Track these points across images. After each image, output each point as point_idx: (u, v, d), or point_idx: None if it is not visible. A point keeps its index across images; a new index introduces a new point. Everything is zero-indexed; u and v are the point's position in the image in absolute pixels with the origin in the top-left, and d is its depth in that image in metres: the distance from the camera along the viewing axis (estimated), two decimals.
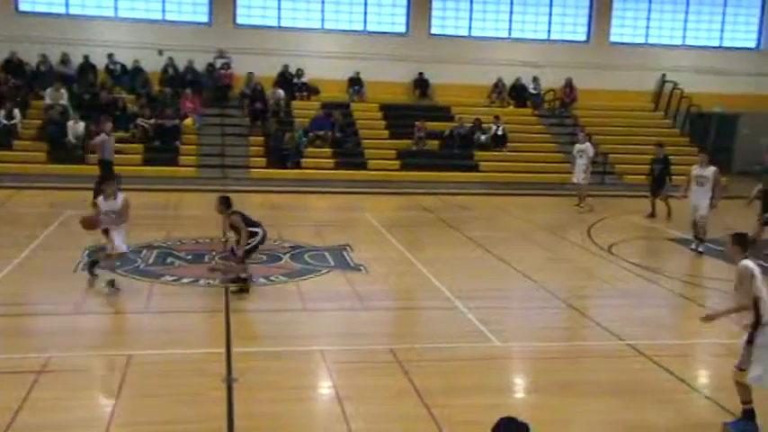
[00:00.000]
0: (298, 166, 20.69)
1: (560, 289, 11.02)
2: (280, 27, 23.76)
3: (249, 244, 9.94)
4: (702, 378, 8.07)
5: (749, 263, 6.19)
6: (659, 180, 16.75)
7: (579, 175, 17.93)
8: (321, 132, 21.52)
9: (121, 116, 20.54)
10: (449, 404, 6.77)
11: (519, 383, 7.91)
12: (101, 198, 10.04)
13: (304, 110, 22.53)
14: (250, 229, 9.97)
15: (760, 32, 26.10)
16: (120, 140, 17.73)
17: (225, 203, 10.02)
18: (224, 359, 7.59)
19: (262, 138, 21.26)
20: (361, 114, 23.15)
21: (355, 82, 23.73)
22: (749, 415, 6.25)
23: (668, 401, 7.08)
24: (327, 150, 21.41)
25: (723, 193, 13.87)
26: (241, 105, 22.42)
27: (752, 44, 26.19)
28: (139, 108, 21.05)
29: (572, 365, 8.07)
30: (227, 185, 17.86)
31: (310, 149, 21.26)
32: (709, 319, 6.69)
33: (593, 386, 7.19)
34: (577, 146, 18.32)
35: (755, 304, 6.08)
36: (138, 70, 22.45)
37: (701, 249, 13.48)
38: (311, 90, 23.38)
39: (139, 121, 20.44)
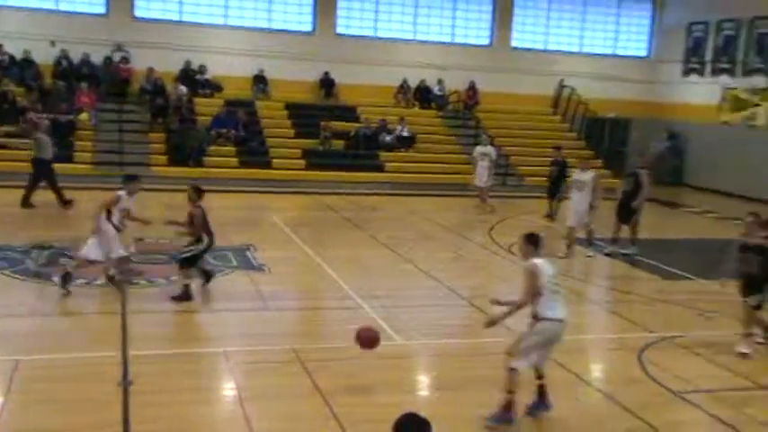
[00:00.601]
0: (200, 164, 20.25)
1: (462, 287, 11.20)
2: (181, 21, 23.15)
3: (191, 251, 9.62)
4: (595, 372, 8.37)
5: (538, 261, 6.42)
6: (557, 182, 17.11)
7: (482, 178, 18.18)
8: (224, 130, 21.13)
9: (10, 110, 19.56)
10: (352, 403, 6.77)
11: (422, 381, 7.99)
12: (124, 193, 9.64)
13: (207, 107, 22.06)
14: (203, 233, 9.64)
15: (650, 42, 27.36)
16: (7, 135, 16.73)
17: (197, 192, 9.69)
18: (120, 362, 7.33)
19: (163, 135, 20.68)
20: (266, 113, 22.88)
21: (260, 80, 23.42)
22: (509, 405, 6.37)
23: (563, 395, 7.30)
24: (231, 149, 21.05)
25: (602, 195, 13.71)
26: (141, 101, 21.73)
27: (643, 53, 27.41)
28: (30, 102, 20.09)
29: (473, 362, 8.21)
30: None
31: (214, 148, 20.85)
32: (490, 324, 6.74)
33: (494, 382, 7.29)
34: (479, 148, 18.56)
35: (534, 300, 6.30)
36: (28, 62, 21.41)
37: (589, 254, 13.64)
38: (214, 87, 22.91)
39: (32, 115, 19.49)
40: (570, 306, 10.19)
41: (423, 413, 3.80)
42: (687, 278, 12.49)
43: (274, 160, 21.17)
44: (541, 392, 6.70)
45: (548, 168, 17.81)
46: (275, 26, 23.91)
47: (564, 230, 14.06)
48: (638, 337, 8.78)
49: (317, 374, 7.38)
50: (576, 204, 13.68)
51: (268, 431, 6.26)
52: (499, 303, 6.85)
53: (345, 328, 9.09)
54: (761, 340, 8.77)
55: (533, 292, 6.32)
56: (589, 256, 13.64)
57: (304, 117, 22.81)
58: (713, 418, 6.94)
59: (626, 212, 13.83)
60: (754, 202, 21.43)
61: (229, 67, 23.00)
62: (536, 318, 6.37)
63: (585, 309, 10.87)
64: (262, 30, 23.67)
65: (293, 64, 23.59)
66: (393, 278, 11.75)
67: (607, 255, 13.76)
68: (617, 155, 24.78)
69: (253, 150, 21.36)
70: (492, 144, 19.05)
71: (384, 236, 14.52)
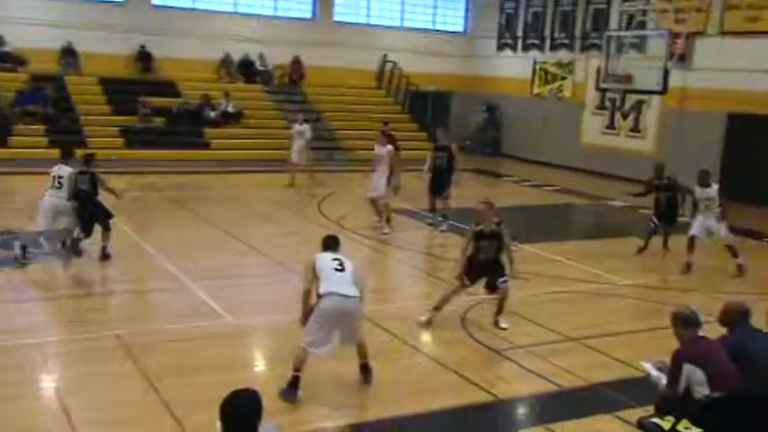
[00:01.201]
0: (5, 144, 18.76)
1: (293, 262, 11.19)
2: None
3: None
4: (419, 336, 8.68)
5: (317, 255, 6.81)
6: None
7: (298, 155, 17.80)
8: (31, 107, 19.66)
9: None
10: (180, 385, 6.63)
11: (253, 358, 7.96)
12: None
13: (10, 82, 20.39)
14: None
15: (466, 18, 28.44)
16: None
17: None
18: None
19: None
20: (78, 89, 21.51)
21: (68, 53, 21.92)
22: (296, 382, 6.53)
23: (393, 360, 7.56)
24: (39, 127, 19.65)
25: (401, 168, 13.79)
26: None
27: (460, 28, 28.47)
28: None
29: None
30: None
31: (20, 126, 19.37)
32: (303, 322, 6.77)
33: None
34: (297, 127, 18.19)
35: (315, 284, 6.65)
36: None
37: (386, 231, 13.33)
38: (17, 61, 21.20)
39: None
40: (392, 276, 10.53)
41: (255, 389, 3.78)
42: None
43: (89, 139, 19.98)
44: (362, 370, 6.93)
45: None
46: None
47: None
48: (460, 300, 9.21)
49: (144, 359, 7.16)
50: (375, 178, 13.68)
51: (89, 422, 5.99)
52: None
53: (172, 309, 8.90)
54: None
55: (309, 278, 6.66)
56: (385, 234, 13.41)
57: (120, 93, 21.67)
58: (527, 371, 7.46)
59: (439, 185, 14.02)
60: (563, 170, 23.14)
61: (33, 39, 21.28)
62: (318, 297, 6.61)
63: (408, 277, 11.29)
64: None
65: (106, 36, 22.27)
66: (221, 257, 11.54)
67: (431, 225, 14.21)
68: (440, 127, 25.55)
69: (64, 129, 20.04)
70: (307, 122, 18.68)
71: (211, 214, 14.23)
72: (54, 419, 5.99)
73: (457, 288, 8.67)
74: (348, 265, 6.69)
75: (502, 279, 8.57)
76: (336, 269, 6.60)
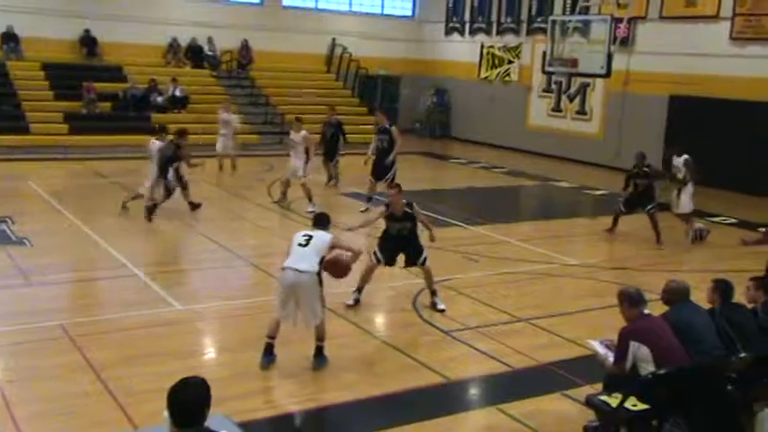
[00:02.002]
0: None
1: (242, 247, 11.13)
2: None
3: None
4: (373, 320, 8.70)
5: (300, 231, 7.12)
6: (332, 144, 16.38)
7: (226, 143, 17.38)
8: None
9: None
10: (127, 375, 6.52)
11: (203, 345, 7.87)
12: None
13: None
14: None
15: (414, 3, 28.40)
16: None
17: None
18: None
19: None
20: (20, 74, 20.87)
21: (10, 38, 21.26)
22: (269, 348, 6.91)
23: (347, 345, 7.56)
24: None
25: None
26: None
27: (408, 13, 28.42)
28: None
29: (258, 321, 8.19)
30: None
31: None
32: None
33: (280, 339, 7.35)
34: (224, 116, 17.57)
35: None
36: None
37: (311, 209, 12.90)
38: None
39: None
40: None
41: (205, 377, 3.72)
42: (456, 225, 13.29)
43: (32, 125, 19.48)
44: (316, 354, 6.98)
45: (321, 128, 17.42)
46: None
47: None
48: (411, 283, 9.24)
49: (89, 349, 7.02)
50: (293, 162, 13.94)
51: (33, 415, 5.85)
52: None
53: (119, 297, 8.74)
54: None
55: (287, 252, 6.95)
56: (311, 211, 12.85)
57: (64, 78, 21.11)
58: (478, 352, 7.53)
59: (381, 169, 14.02)
60: (511, 152, 23.36)
61: None
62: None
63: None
64: None
65: (48, 20, 21.63)
66: (170, 243, 11.39)
67: (363, 212, 14.00)
68: (390, 111, 25.54)
69: (6, 115, 19.46)
70: (231, 112, 18.05)
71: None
72: None
73: (371, 265, 8.69)
74: (314, 240, 6.82)
75: (420, 260, 8.63)
76: (300, 244, 6.81)
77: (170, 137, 13.14)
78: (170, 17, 23.41)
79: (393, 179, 13.82)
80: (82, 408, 5.98)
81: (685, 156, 12.55)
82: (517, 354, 7.50)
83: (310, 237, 6.86)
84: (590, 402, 5.43)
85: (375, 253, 8.72)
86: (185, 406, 3.60)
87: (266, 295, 9.08)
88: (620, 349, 5.50)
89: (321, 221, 7.19)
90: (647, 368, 5.33)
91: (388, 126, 14.41)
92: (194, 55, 23.90)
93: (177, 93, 21.81)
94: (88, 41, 22.24)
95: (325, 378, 6.82)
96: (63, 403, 6.03)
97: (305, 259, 6.72)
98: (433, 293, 8.80)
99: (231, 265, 10.39)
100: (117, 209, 12.63)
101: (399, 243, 8.68)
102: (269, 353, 6.89)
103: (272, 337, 6.91)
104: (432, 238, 8.87)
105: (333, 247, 6.91)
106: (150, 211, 12.32)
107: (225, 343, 7.78)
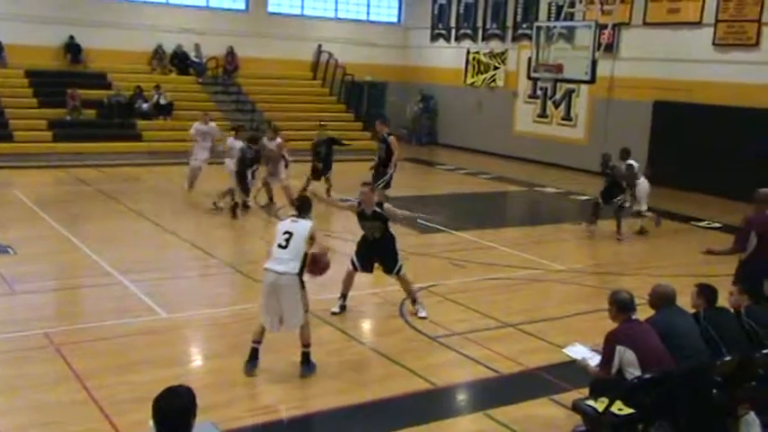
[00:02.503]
0: None
1: (228, 255, 11.10)
2: None
3: None
4: (360, 327, 8.69)
5: (281, 222, 7.19)
6: (326, 161, 15.58)
7: (201, 155, 15.48)
8: None
9: None
10: (112, 383, 6.47)
11: (189, 353, 7.82)
12: None
13: None
14: None
15: (400, 9, 28.46)
16: None
17: None
18: None
19: None
20: (3, 82, 20.71)
21: None
22: (254, 353, 6.94)
23: (334, 352, 7.54)
24: None
25: (290, 159, 14.65)
26: None
27: (394, 19, 28.48)
28: None
29: (243, 327, 8.17)
30: None
31: None
32: None
33: (262, 345, 7.32)
34: (200, 126, 15.69)
35: None
36: None
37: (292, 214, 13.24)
38: None
39: None
40: (336, 266, 10.44)
41: (190, 385, 3.70)
42: (443, 231, 13.31)
43: (16, 132, 19.34)
44: (303, 360, 6.97)
45: (312, 133, 17.18)
46: None
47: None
48: (397, 290, 9.21)
49: (74, 358, 6.96)
50: (271, 169, 14.27)
51: (16, 425, 5.78)
52: None
53: (104, 305, 8.68)
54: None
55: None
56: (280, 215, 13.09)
57: (48, 86, 20.97)
58: (465, 357, 7.54)
59: (380, 177, 14.00)
60: (497, 157, 23.44)
61: None
62: None
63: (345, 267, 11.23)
64: None
65: (32, 27, 21.51)
66: (155, 250, 11.32)
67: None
68: (376, 117, 25.56)
69: None
70: (211, 122, 16.27)
71: (143, 207, 13.93)
72: None
73: (350, 272, 8.69)
74: (293, 239, 6.78)
75: (396, 269, 8.61)
76: (281, 245, 6.81)
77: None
78: (155, 24, 23.34)
79: (387, 185, 13.92)
80: (67, 417, 5.92)
81: (630, 161, 13.34)
82: (504, 359, 7.51)
83: (290, 235, 6.79)
84: (577, 407, 5.45)
85: (352, 259, 8.70)
86: (171, 415, 3.57)
87: (251, 302, 9.02)
88: (607, 353, 5.52)
89: (304, 207, 7.18)
90: (634, 372, 5.35)
91: (386, 135, 14.41)
92: (180, 62, 23.83)
93: (161, 100, 21.70)
94: (72, 48, 22.13)
95: (312, 385, 6.80)
96: (48, 413, 5.97)
97: (284, 261, 6.74)
98: (414, 301, 8.79)
99: (216, 272, 10.35)
100: (100, 215, 12.52)
101: (374, 248, 8.63)
102: (254, 357, 6.91)
103: (258, 342, 6.93)
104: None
105: (312, 237, 6.83)
106: (234, 209, 13.48)
107: (210, 350, 7.75)
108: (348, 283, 8.71)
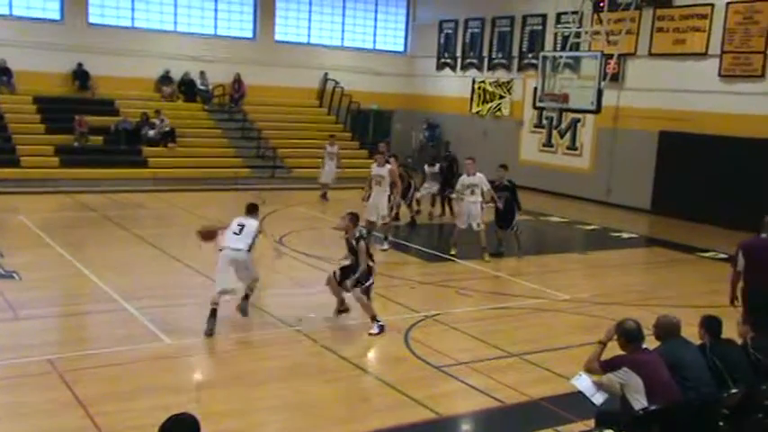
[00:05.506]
0: None
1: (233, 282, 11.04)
2: None
3: None
4: (364, 355, 8.65)
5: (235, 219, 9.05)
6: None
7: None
8: None
9: None
10: (115, 410, 6.45)
11: (192, 380, 7.78)
12: None
13: None
14: None
15: (406, 38, 28.73)
16: None
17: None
18: None
19: None
20: (12, 107, 20.91)
21: (2, 71, 21.34)
22: (213, 313, 8.63)
23: (338, 380, 7.51)
24: None
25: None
26: None
27: (400, 48, 28.73)
28: None
29: (247, 356, 8.17)
30: None
31: None
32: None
33: (267, 373, 7.30)
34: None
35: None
36: None
37: (385, 247, 13.38)
38: None
39: None
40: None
41: (194, 413, 3.69)
42: (449, 260, 13.28)
43: (23, 158, 19.47)
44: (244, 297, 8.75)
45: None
46: (18, 13, 21.89)
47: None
48: (402, 318, 9.22)
49: (78, 384, 6.94)
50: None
51: None
52: None
53: (108, 332, 8.67)
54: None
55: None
56: (384, 249, 13.41)
57: (56, 111, 21.17)
58: (469, 387, 7.49)
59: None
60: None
61: None
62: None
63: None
64: (3, 17, 21.58)
65: (42, 54, 21.75)
66: (159, 277, 11.32)
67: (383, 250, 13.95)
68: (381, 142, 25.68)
69: None
70: None
71: (149, 233, 13.95)
72: None
73: (331, 283, 9.19)
74: (246, 229, 8.78)
75: (349, 281, 8.91)
76: (235, 232, 8.81)
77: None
78: (164, 51, 23.58)
79: (395, 216, 14.04)
80: None
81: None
82: (509, 389, 7.46)
83: (243, 226, 8.77)
84: None
85: (334, 271, 9.22)
86: None
87: (259, 329, 9.06)
88: (612, 364, 5.45)
89: (252, 210, 9.15)
90: (640, 400, 5.29)
91: (387, 159, 14.27)
92: (186, 89, 24.02)
93: (166, 126, 21.77)
94: (80, 75, 22.35)
95: (317, 413, 6.76)
96: None
97: (240, 241, 8.69)
98: (341, 312, 9.27)
99: (222, 300, 10.30)
100: (105, 241, 12.50)
101: (347, 268, 9.13)
102: (212, 316, 8.48)
103: (216, 304, 8.54)
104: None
105: (260, 231, 8.94)
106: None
107: (215, 378, 7.71)
108: (336, 295, 9.27)
